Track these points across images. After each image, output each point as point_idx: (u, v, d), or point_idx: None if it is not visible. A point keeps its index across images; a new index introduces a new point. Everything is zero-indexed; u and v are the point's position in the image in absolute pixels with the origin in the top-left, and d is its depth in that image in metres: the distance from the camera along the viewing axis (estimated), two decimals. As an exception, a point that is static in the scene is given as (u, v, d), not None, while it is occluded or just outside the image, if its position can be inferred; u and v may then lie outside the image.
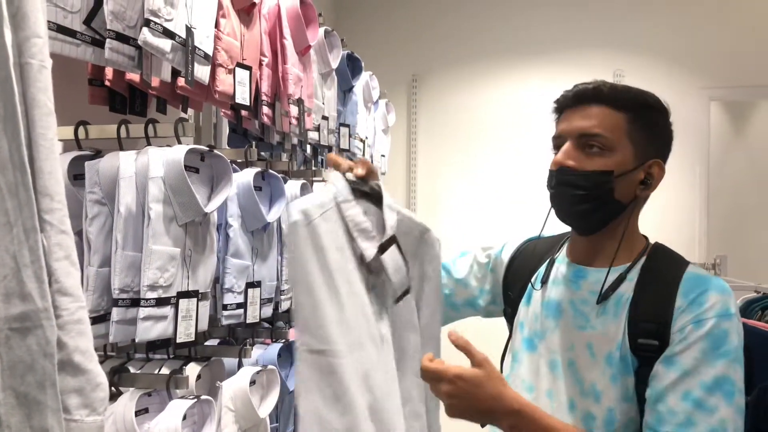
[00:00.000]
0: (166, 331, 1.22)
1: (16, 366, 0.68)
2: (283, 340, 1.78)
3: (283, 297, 1.72)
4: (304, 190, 1.74)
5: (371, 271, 1.05)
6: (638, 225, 1.18)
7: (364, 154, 2.78)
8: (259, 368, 1.55)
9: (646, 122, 1.11)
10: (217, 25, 1.42)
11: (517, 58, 4.02)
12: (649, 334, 1.05)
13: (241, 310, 1.53)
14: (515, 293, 1.28)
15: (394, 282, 1.06)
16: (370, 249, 1.04)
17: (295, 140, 1.94)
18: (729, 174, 4.42)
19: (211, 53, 1.37)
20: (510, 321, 1.29)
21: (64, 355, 0.74)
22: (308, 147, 2.16)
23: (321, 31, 2.04)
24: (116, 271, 1.17)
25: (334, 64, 2.21)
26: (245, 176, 1.53)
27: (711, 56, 3.82)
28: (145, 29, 1.13)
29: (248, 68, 1.54)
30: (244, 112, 1.64)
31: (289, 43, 1.74)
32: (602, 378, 1.08)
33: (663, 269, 1.11)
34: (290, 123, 1.77)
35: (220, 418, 1.39)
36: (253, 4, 1.58)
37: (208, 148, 1.33)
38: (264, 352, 1.72)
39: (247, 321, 1.54)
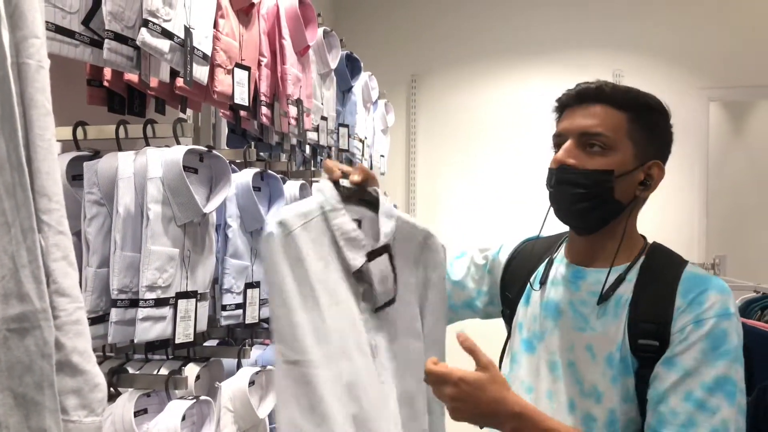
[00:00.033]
0: (164, 332, 1.22)
1: (14, 367, 0.68)
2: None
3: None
4: (303, 190, 1.74)
5: (362, 279, 1.05)
6: (637, 225, 1.18)
7: (363, 155, 2.78)
8: (258, 369, 1.55)
9: (647, 123, 1.11)
10: (215, 26, 1.41)
11: (517, 58, 4.02)
12: (650, 335, 1.05)
13: (240, 311, 1.53)
14: (513, 294, 1.27)
15: (378, 292, 1.06)
16: (355, 258, 1.04)
17: (294, 141, 1.94)
18: (728, 174, 4.42)
19: (209, 53, 1.37)
20: (508, 322, 1.29)
21: (62, 355, 0.74)
22: (307, 147, 2.15)
23: (320, 31, 2.04)
24: (115, 271, 1.17)
25: (333, 65, 2.20)
26: (244, 177, 1.53)
27: (710, 56, 3.82)
28: (143, 29, 1.13)
29: (247, 68, 1.54)
30: (242, 113, 1.64)
31: (287, 43, 1.74)
32: (603, 379, 1.08)
33: (662, 269, 1.11)
34: (289, 123, 1.77)
35: (219, 418, 1.39)
36: (252, 5, 1.58)
37: (206, 149, 1.33)
38: (263, 352, 1.72)
39: (246, 321, 1.54)
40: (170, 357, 1.44)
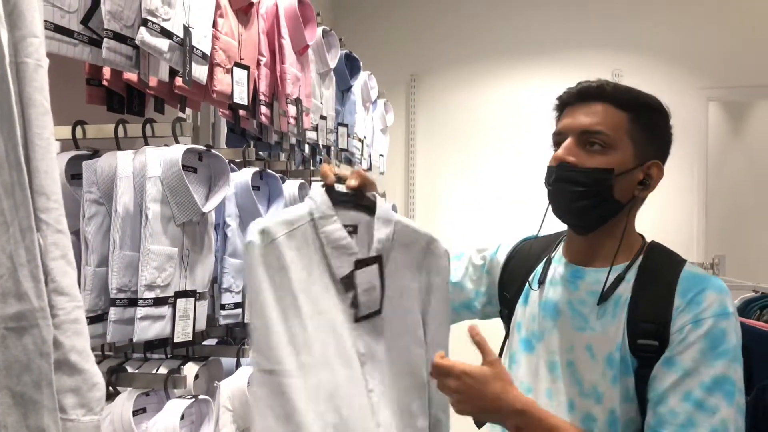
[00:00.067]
0: (163, 331, 1.22)
1: (12, 366, 0.68)
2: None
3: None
4: (302, 189, 1.74)
5: (351, 287, 1.04)
6: (635, 225, 1.18)
7: (362, 154, 2.77)
8: (257, 368, 1.55)
9: (647, 123, 1.11)
10: (214, 25, 1.41)
11: (516, 58, 4.02)
12: (649, 335, 1.05)
13: (239, 310, 1.53)
14: (512, 294, 1.27)
15: (362, 301, 1.05)
16: (342, 266, 1.03)
17: (293, 140, 1.94)
18: (727, 174, 4.43)
19: (208, 53, 1.37)
20: (506, 322, 1.29)
21: (60, 354, 0.74)
22: (306, 147, 2.15)
23: (319, 30, 2.04)
24: (114, 270, 1.17)
25: (333, 64, 2.20)
26: (243, 176, 1.53)
27: (709, 57, 3.82)
28: (142, 29, 1.13)
29: (246, 68, 1.54)
30: (242, 112, 1.64)
31: (287, 42, 1.74)
32: (603, 379, 1.08)
33: (660, 268, 1.11)
34: (288, 123, 1.77)
35: (218, 417, 1.39)
36: (251, 4, 1.58)
37: (205, 148, 1.33)
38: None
39: (245, 321, 1.53)
40: (169, 356, 1.44)
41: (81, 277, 1.17)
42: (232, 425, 1.43)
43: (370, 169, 2.96)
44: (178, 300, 1.24)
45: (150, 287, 1.19)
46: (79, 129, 1.31)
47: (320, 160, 2.30)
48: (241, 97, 1.52)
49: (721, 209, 4.10)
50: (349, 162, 2.72)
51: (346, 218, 1.07)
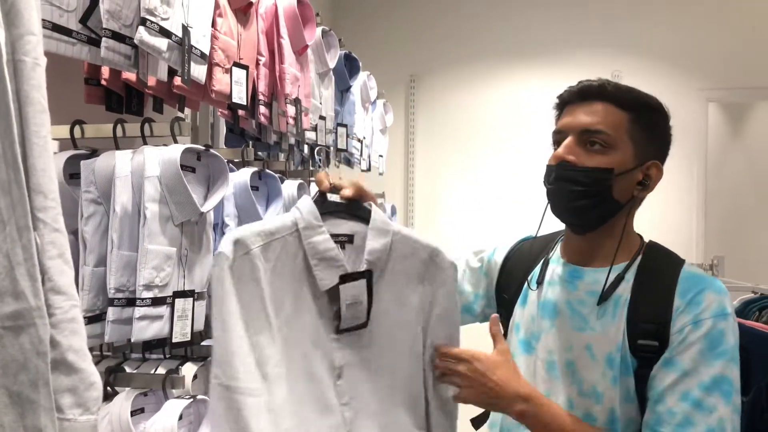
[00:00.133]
0: (161, 331, 1.22)
1: (8, 365, 0.68)
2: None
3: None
4: (301, 189, 1.74)
5: (336, 299, 1.02)
6: (634, 225, 1.17)
7: (361, 154, 2.77)
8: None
9: (647, 123, 1.11)
10: (213, 25, 1.41)
11: (516, 58, 4.02)
12: (649, 335, 1.05)
13: (238, 310, 1.52)
14: (510, 295, 1.27)
15: (345, 315, 1.02)
16: (325, 279, 1.01)
17: (292, 140, 1.94)
18: (727, 175, 4.43)
19: (207, 52, 1.37)
20: (504, 324, 1.29)
21: (57, 353, 0.73)
22: (305, 147, 2.15)
23: (318, 30, 2.04)
24: (112, 270, 1.17)
25: (332, 64, 2.20)
26: (242, 176, 1.53)
27: (709, 58, 3.82)
28: (141, 28, 1.13)
29: (245, 68, 1.54)
30: (241, 112, 1.64)
31: (286, 42, 1.74)
32: (603, 380, 1.08)
33: (660, 269, 1.11)
34: (287, 123, 1.77)
35: (216, 418, 1.38)
36: (250, 4, 1.58)
37: (204, 148, 1.33)
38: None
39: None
40: (167, 356, 1.44)
41: (79, 277, 1.16)
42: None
43: (369, 169, 2.96)
44: (177, 300, 1.24)
45: (148, 287, 1.18)
46: (77, 128, 1.31)
47: (320, 160, 2.30)
48: (239, 96, 1.52)
49: (720, 210, 4.10)
50: (348, 162, 2.71)
51: (341, 228, 1.05)
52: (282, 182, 1.69)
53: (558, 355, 1.14)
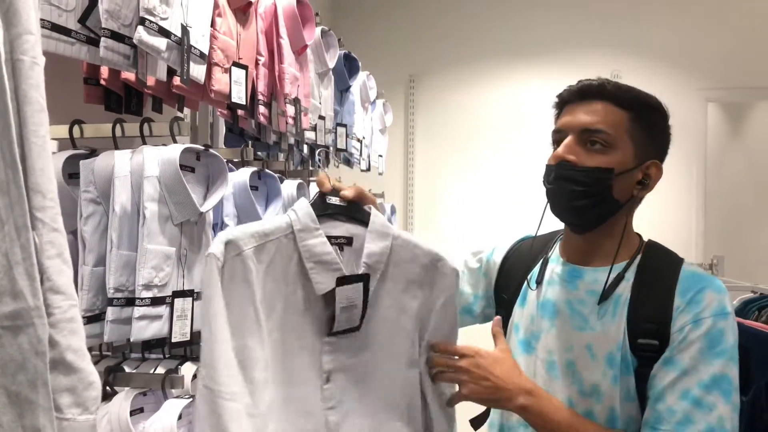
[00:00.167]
0: (161, 331, 1.21)
1: (7, 365, 0.68)
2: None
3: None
4: (301, 189, 1.74)
5: (332, 303, 1.00)
6: (633, 225, 1.17)
7: (361, 154, 2.77)
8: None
9: (647, 122, 1.11)
10: (213, 24, 1.41)
11: (516, 58, 4.02)
12: (650, 334, 1.05)
13: (237, 310, 1.52)
14: (509, 295, 1.27)
15: (339, 318, 1.00)
16: (322, 282, 0.99)
17: (291, 140, 1.94)
18: (726, 175, 4.43)
19: (207, 52, 1.37)
20: (503, 324, 1.29)
21: (56, 353, 0.73)
22: (305, 147, 2.15)
23: (318, 30, 2.04)
24: (111, 270, 1.17)
25: (331, 64, 2.20)
26: (241, 176, 1.53)
27: (708, 57, 3.82)
28: (140, 28, 1.13)
29: (244, 67, 1.54)
30: (240, 112, 1.64)
31: (285, 42, 1.74)
32: (604, 379, 1.08)
33: (660, 268, 1.11)
34: (287, 123, 1.77)
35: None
36: (250, 3, 1.58)
37: (203, 148, 1.33)
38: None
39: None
40: (167, 356, 1.44)
41: (78, 277, 1.16)
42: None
43: (368, 169, 2.96)
44: (176, 300, 1.24)
45: (147, 287, 1.18)
46: (76, 128, 1.31)
47: (319, 160, 2.30)
48: (239, 96, 1.52)
49: (719, 210, 4.10)
50: (348, 162, 2.71)
51: (339, 229, 1.04)
52: (281, 182, 1.68)
53: (558, 354, 1.14)
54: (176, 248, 1.24)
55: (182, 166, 1.23)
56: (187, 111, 1.72)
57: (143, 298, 1.18)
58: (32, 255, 0.69)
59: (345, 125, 2.49)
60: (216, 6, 1.42)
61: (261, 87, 1.67)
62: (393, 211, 3.15)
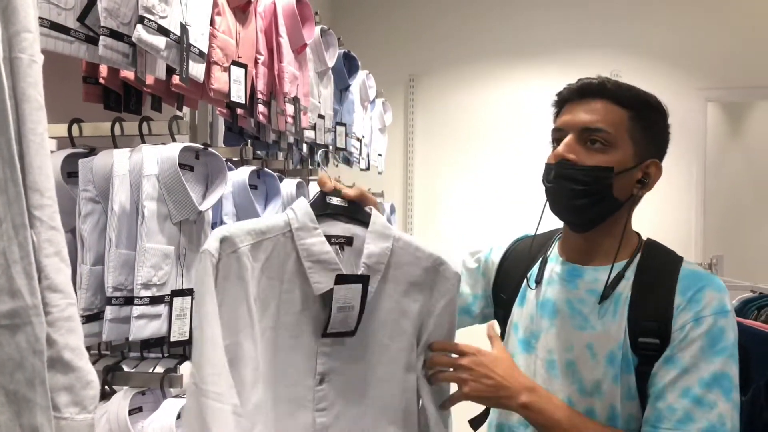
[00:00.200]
0: (159, 330, 1.21)
1: (5, 363, 0.68)
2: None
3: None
4: (300, 188, 1.73)
5: (329, 303, 0.99)
6: (632, 224, 1.17)
7: (360, 153, 2.77)
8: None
9: (647, 121, 1.11)
10: (212, 23, 1.41)
11: (516, 58, 4.02)
12: (650, 333, 1.05)
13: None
14: (508, 295, 1.27)
15: (335, 319, 0.99)
16: (320, 282, 0.98)
17: (291, 139, 1.94)
18: (725, 174, 4.43)
19: (206, 51, 1.37)
20: (502, 324, 1.29)
21: (53, 352, 0.73)
22: (304, 146, 2.15)
23: (317, 29, 2.04)
24: (110, 269, 1.17)
25: (331, 63, 2.20)
26: (240, 174, 1.53)
27: (708, 57, 3.82)
28: (139, 26, 1.12)
29: (244, 66, 1.54)
30: (239, 111, 1.64)
31: (284, 41, 1.74)
32: (605, 378, 1.08)
33: (659, 266, 1.11)
34: (286, 121, 1.77)
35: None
36: (249, 2, 1.58)
37: (203, 146, 1.32)
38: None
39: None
40: (165, 355, 1.44)
41: (77, 276, 1.16)
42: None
43: (368, 168, 2.96)
44: (175, 299, 1.23)
45: (146, 286, 1.18)
46: (75, 127, 1.31)
47: (319, 161, 2.30)
48: (238, 95, 1.52)
49: (719, 209, 4.10)
50: (347, 161, 2.71)
51: (338, 229, 1.03)
52: (281, 181, 1.68)
53: (558, 354, 1.14)
54: (175, 247, 1.24)
55: (181, 165, 1.23)
56: (186, 110, 1.72)
57: (142, 297, 1.18)
58: (30, 253, 0.69)
59: (344, 124, 2.49)
60: (215, 4, 1.41)
61: (260, 86, 1.67)
62: (392, 210, 3.15)
